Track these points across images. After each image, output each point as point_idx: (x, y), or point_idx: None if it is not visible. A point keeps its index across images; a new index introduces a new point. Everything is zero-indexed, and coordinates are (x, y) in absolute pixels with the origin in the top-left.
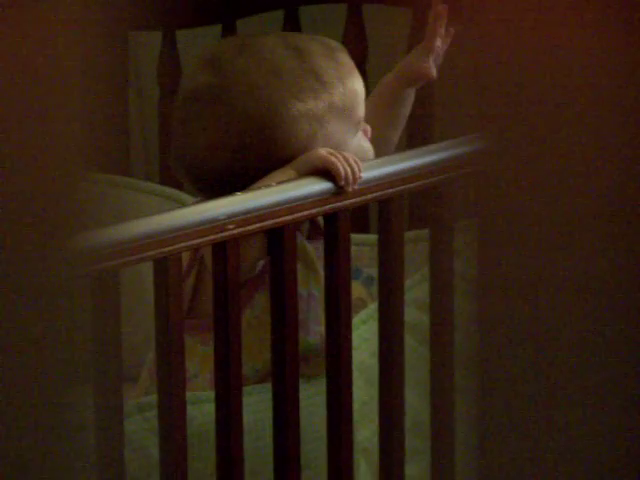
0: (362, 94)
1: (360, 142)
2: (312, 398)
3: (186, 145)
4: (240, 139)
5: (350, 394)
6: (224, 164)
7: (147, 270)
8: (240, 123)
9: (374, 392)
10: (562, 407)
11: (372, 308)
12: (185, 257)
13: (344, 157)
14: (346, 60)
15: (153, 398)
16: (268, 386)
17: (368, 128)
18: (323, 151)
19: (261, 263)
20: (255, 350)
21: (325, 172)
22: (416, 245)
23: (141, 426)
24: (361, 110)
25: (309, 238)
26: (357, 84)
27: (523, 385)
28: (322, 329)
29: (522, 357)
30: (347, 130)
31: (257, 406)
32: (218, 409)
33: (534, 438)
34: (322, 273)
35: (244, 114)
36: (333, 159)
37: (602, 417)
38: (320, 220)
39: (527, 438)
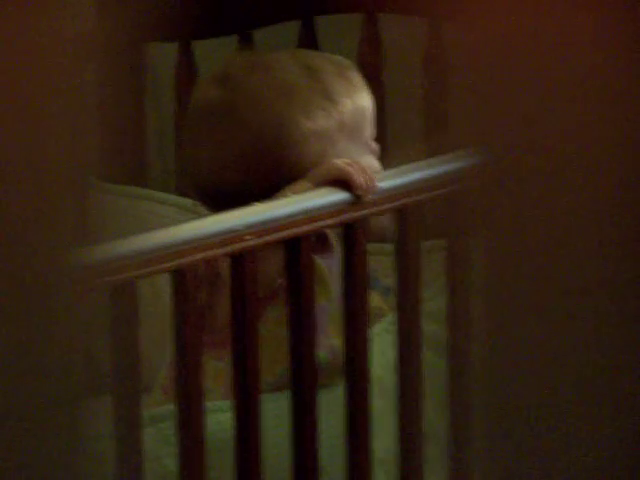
0: (371, 113)
1: (369, 160)
2: (322, 407)
3: (196, 160)
4: (250, 156)
5: (368, 403)
6: (233, 181)
7: (158, 281)
8: (251, 140)
9: (388, 403)
10: (575, 416)
11: (386, 321)
12: None
13: (360, 167)
14: (357, 79)
15: (166, 409)
16: (279, 395)
17: (376, 147)
18: (338, 161)
19: (278, 280)
20: (267, 363)
21: (341, 182)
22: (432, 255)
23: (155, 437)
24: (370, 129)
25: (320, 252)
26: (367, 103)
27: (531, 391)
28: (332, 342)
29: (529, 364)
30: (357, 149)
31: (269, 413)
32: (237, 421)
33: (546, 447)
34: (332, 287)
35: (255, 131)
36: (349, 168)
37: (618, 429)
38: (330, 235)
39: (539, 446)
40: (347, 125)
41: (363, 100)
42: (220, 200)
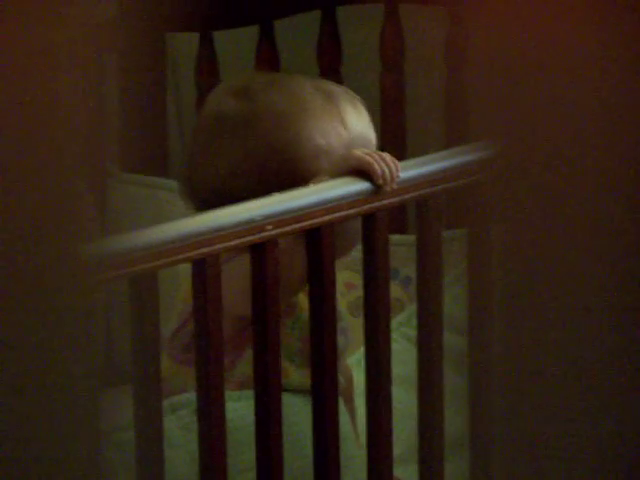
0: (374, 147)
1: None
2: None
3: (206, 167)
4: (262, 167)
5: (389, 396)
6: (241, 191)
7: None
8: (264, 151)
9: (407, 396)
10: (598, 415)
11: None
12: (179, 306)
13: (380, 156)
14: (365, 113)
15: (184, 397)
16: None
17: None
18: (358, 151)
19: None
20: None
21: (361, 172)
22: (451, 245)
23: (176, 424)
24: None
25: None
26: (373, 137)
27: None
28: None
29: (548, 354)
30: None
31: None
32: (258, 412)
33: (556, 450)
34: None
35: (270, 143)
36: (369, 158)
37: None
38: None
39: (549, 449)
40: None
41: (370, 133)
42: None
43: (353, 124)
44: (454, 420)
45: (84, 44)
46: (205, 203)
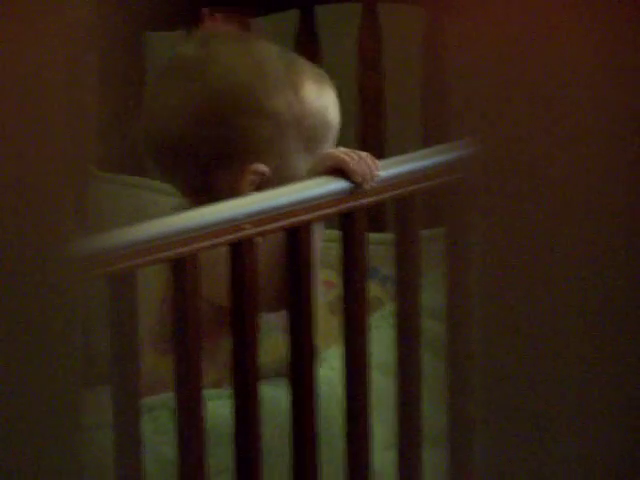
0: (334, 134)
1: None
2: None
3: (157, 109)
4: (203, 112)
5: (367, 391)
6: (186, 135)
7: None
8: (206, 96)
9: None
10: (577, 413)
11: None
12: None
13: (359, 155)
14: (331, 95)
15: (160, 398)
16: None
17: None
18: (335, 150)
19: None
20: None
21: (339, 171)
22: (431, 244)
23: (150, 426)
24: (327, 146)
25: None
26: (334, 121)
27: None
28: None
29: (527, 348)
30: (305, 156)
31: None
32: (237, 410)
33: (546, 443)
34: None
35: (214, 89)
36: (344, 157)
37: (622, 428)
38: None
39: (538, 442)
40: (305, 129)
41: (330, 116)
42: (167, 157)
43: (309, 99)
44: (434, 410)
45: (68, 43)
46: (155, 149)
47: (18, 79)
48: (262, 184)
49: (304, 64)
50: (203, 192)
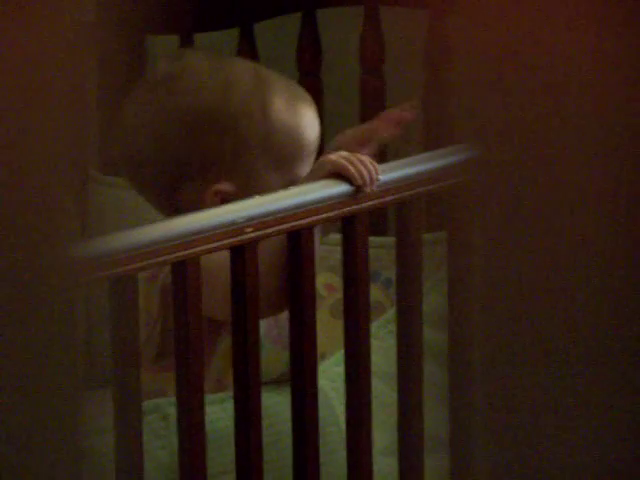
0: (310, 154)
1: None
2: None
3: (124, 123)
4: (169, 130)
5: (369, 397)
6: (149, 148)
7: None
8: (175, 115)
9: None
10: (578, 413)
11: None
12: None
13: (359, 159)
14: (307, 113)
15: (154, 402)
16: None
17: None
18: (333, 155)
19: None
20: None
21: (338, 176)
22: (434, 248)
23: (144, 430)
24: (304, 169)
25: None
26: (308, 140)
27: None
28: None
29: (528, 354)
30: (278, 180)
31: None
32: (237, 415)
33: (548, 445)
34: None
35: (181, 104)
36: (343, 161)
37: (621, 430)
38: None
39: (540, 444)
40: (273, 147)
41: (304, 134)
42: (136, 173)
43: (278, 117)
44: (435, 416)
45: (69, 46)
46: (129, 169)
47: (18, 80)
48: (227, 202)
49: (278, 82)
50: (170, 208)
